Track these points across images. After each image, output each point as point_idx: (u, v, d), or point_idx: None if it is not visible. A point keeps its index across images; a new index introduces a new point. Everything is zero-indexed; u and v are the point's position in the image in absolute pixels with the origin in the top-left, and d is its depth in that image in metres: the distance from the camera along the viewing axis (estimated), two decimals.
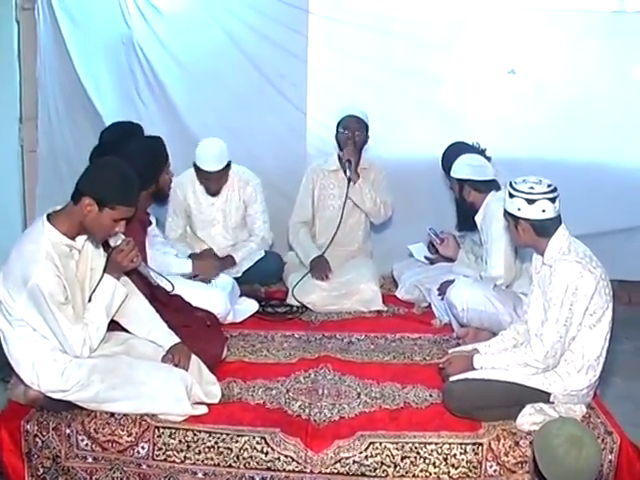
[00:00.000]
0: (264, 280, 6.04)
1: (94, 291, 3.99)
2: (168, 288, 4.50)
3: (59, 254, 3.73)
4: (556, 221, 3.92)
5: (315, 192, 6.13)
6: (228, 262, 5.86)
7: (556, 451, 3.00)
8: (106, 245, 4.04)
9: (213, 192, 5.89)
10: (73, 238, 3.82)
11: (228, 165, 5.77)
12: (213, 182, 5.82)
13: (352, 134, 5.85)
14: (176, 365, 4.13)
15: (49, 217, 3.79)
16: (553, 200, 3.85)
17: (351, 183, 5.87)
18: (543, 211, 3.84)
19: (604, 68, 6.74)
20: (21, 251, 3.74)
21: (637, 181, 6.89)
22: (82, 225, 3.80)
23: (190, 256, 5.70)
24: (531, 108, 6.82)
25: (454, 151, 5.53)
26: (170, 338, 4.26)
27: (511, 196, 3.89)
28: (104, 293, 3.97)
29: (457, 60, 6.81)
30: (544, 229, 3.90)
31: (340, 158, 5.94)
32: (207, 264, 5.59)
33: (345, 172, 5.85)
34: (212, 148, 5.70)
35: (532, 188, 3.84)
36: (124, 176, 3.80)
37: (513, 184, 3.91)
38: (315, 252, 5.95)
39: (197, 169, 5.76)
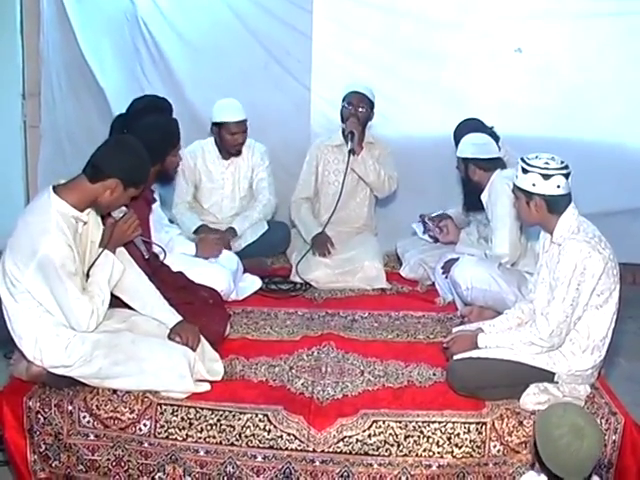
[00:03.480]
0: (271, 250, 6.08)
1: (91, 266, 3.98)
2: (160, 255, 4.54)
3: (68, 225, 3.74)
4: (567, 198, 3.90)
5: (319, 168, 6.14)
6: (229, 234, 5.86)
7: (558, 443, 2.98)
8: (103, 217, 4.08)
9: (237, 151, 5.95)
10: (82, 211, 3.83)
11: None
12: (240, 135, 5.87)
13: (355, 109, 5.86)
14: (185, 344, 4.12)
15: (55, 189, 3.79)
16: (567, 176, 3.85)
17: (354, 155, 5.88)
18: (558, 187, 3.83)
19: (611, 48, 6.71)
20: (28, 223, 3.74)
21: None
22: (96, 201, 3.84)
23: (197, 231, 5.75)
24: (537, 88, 6.80)
25: (465, 128, 5.49)
26: (173, 316, 4.25)
27: (525, 172, 3.87)
28: (105, 268, 3.97)
29: (463, 39, 6.77)
30: (556, 205, 3.88)
31: (344, 132, 5.93)
32: (209, 244, 5.55)
33: (347, 144, 5.85)
34: (231, 102, 5.85)
35: (547, 163, 3.84)
36: (144, 154, 3.93)
37: (526, 160, 3.89)
38: (317, 229, 5.96)
39: (220, 128, 5.84)
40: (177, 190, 6.02)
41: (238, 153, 5.96)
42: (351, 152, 5.85)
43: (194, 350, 4.12)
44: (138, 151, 3.90)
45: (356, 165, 5.91)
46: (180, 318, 4.25)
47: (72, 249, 3.73)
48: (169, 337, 4.17)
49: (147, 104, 5.11)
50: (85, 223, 3.90)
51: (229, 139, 5.86)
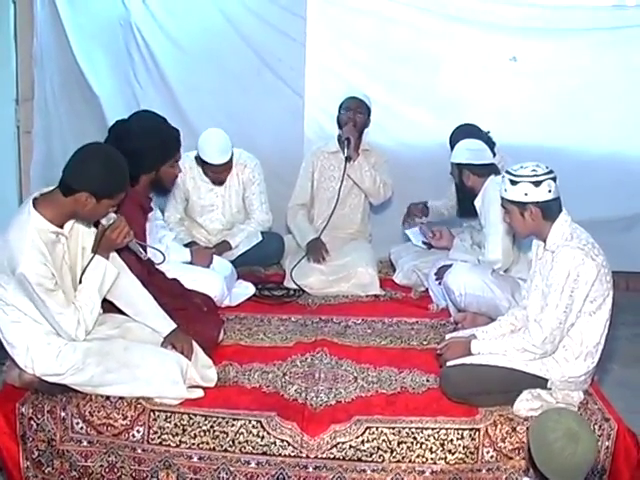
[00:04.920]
0: (264, 261, 6.04)
1: (84, 271, 3.96)
2: (159, 260, 4.49)
3: (45, 241, 3.69)
4: (558, 202, 3.92)
5: (315, 175, 6.14)
6: (224, 247, 5.83)
7: (552, 447, 2.98)
8: (95, 223, 4.03)
9: (220, 182, 5.87)
10: (60, 225, 3.79)
11: (232, 153, 5.73)
12: (222, 174, 5.81)
13: (352, 115, 5.86)
14: (181, 354, 4.13)
15: (35, 202, 3.73)
16: (554, 179, 3.86)
17: (350, 162, 5.88)
18: (549, 191, 3.84)
19: (606, 58, 6.74)
20: (7, 239, 3.69)
21: (637, 171, 6.88)
22: (74, 214, 3.79)
23: (188, 245, 5.68)
24: (531, 96, 6.81)
25: (461, 133, 5.51)
26: (167, 324, 4.24)
27: (513, 183, 3.86)
28: (95, 274, 3.95)
29: (458, 47, 6.79)
30: (550, 211, 3.89)
31: (340, 138, 5.94)
32: (204, 253, 5.54)
33: (344, 151, 5.86)
34: (216, 140, 5.65)
35: (535, 171, 3.84)
36: (115, 164, 3.76)
37: (512, 171, 3.89)
38: (312, 235, 5.95)
39: (202, 162, 5.73)
40: (167, 207, 5.98)
41: (221, 184, 5.89)
42: (347, 159, 5.86)
43: (189, 360, 4.12)
44: (107, 162, 3.73)
45: (352, 171, 5.92)
46: (174, 326, 4.24)
47: (48, 267, 3.68)
48: (162, 345, 4.17)
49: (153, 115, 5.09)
50: (67, 237, 3.85)
51: (210, 175, 5.82)
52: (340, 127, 5.94)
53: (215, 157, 5.65)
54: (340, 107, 5.93)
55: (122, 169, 3.80)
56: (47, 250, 3.69)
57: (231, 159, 5.75)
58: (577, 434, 2.96)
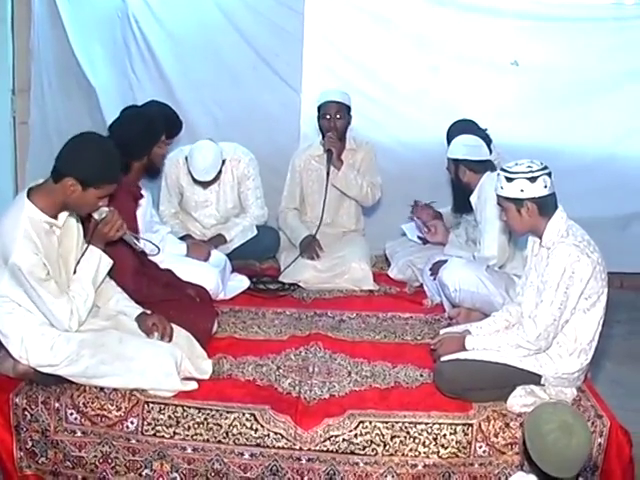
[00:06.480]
0: (260, 255, 6.04)
1: (78, 262, 3.96)
2: (154, 252, 4.50)
3: (38, 231, 3.68)
4: (554, 198, 3.92)
5: (303, 177, 6.11)
6: (218, 241, 5.83)
7: (546, 438, 2.99)
8: (88, 217, 4.01)
9: (208, 184, 5.82)
10: (54, 215, 3.78)
11: (222, 162, 5.70)
12: (210, 183, 5.77)
13: (333, 122, 5.80)
14: (163, 334, 4.16)
15: (30, 192, 3.73)
16: (550, 175, 3.86)
17: (335, 171, 5.85)
18: (545, 187, 3.83)
19: (604, 60, 6.75)
20: (1, 229, 3.68)
21: (632, 171, 6.90)
22: (64, 203, 3.76)
23: (183, 238, 5.69)
24: (530, 95, 6.82)
25: (458, 128, 5.49)
26: (136, 308, 4.26)
27: (509, 180, 3.85)
28: (90, 265, 3.96)
29: (455, 45, 6.78)
30: (547, 207, 3.89)
31: (323, 146, 5.89)
32: (201, 248, 5.54)
33: (326, 162, 5.85)
34: (204, 159, 5.56)
35: (530, 167, 3.84)
36: (106, 154, 3.74)
37: (508, 169, 3.89)
38: (305, 232, 5.94)
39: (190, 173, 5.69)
40: (161, 200, 5.97)
41: (208, 186, 5.84)
42: (328, 174, 5.84)
43: (170, 339, 4.17)
44: (97, 150, 3.72)
45: (337, 181, 5.89)
46: (142, 310, 4.25)
47: (39, 256, 3.66)
48: (142, 330, 4.17)
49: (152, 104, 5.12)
50: (61, 228, 3.84)
51: (197, 183, 5.79)
52: (322, 132, 5.89)
53: (200, 175, 5.61)
54: (319, 110, 5.86)
55: (112, 161, 3.77)
56: (40, 240, 3.68)
57: (219, 173, 5.71)
58: (572, 427, 2.97)
